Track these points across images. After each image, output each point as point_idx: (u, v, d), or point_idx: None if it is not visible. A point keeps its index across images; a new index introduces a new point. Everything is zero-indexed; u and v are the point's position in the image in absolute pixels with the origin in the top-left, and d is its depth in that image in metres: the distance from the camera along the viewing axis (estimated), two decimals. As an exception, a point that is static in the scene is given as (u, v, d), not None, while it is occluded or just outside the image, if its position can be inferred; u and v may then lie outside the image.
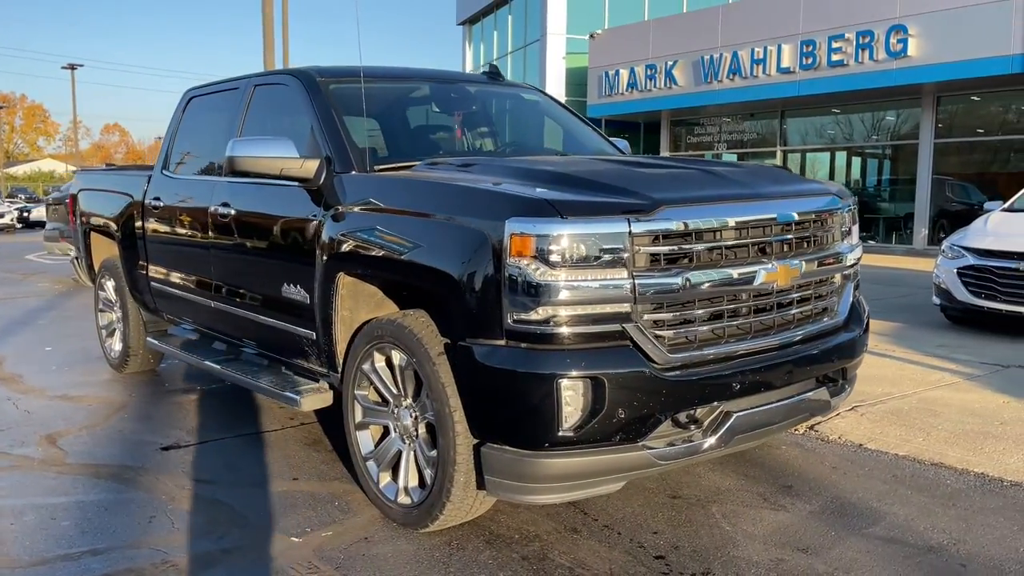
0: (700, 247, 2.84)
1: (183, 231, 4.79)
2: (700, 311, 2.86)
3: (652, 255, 2.74)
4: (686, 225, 2.81)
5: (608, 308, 2.68)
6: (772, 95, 19.48)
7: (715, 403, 2.91)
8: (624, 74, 22.77)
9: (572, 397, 2.64)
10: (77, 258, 6.75)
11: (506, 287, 2.70)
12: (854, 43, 17.71)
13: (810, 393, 3.28)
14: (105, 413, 4.97)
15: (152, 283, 5.23)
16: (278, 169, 3.66)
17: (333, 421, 4.37)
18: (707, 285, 2.84)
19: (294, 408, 3.93)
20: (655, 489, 3.66)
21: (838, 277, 3.42)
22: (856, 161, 21.42)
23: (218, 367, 4.52)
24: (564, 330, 2.67)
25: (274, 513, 3.44)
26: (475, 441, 2.91)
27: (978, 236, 7.52)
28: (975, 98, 18.23)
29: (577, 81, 25.62)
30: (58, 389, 5.54)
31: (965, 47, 15.85)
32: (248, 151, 3.68)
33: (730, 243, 2.92)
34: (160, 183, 5.11)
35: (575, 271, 2.66)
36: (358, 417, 3.46)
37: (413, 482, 3.23)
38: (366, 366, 3.37)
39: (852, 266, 3.50)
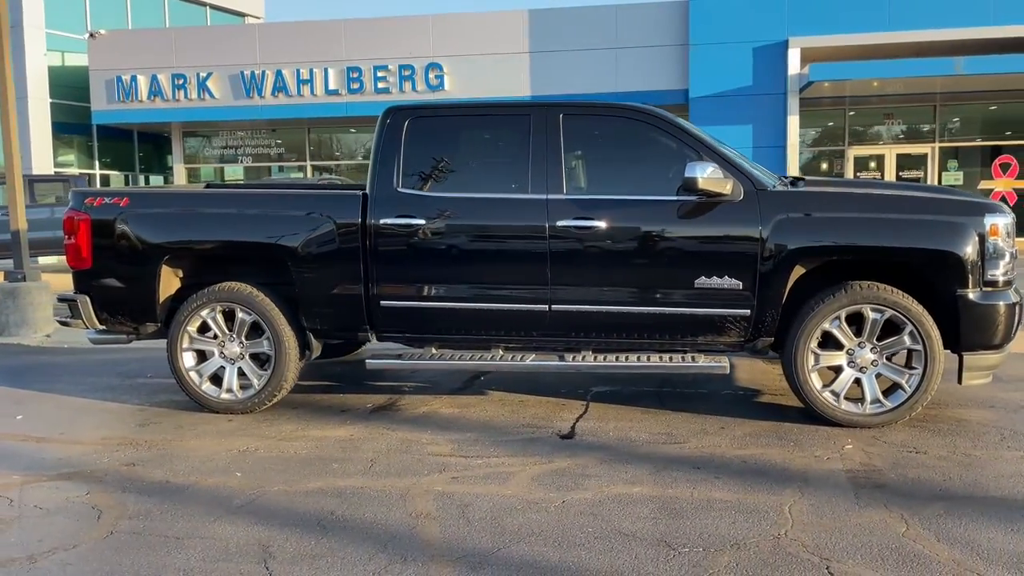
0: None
1: (483, 246, 5.04)
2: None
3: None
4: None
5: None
6: (322, 114, 20.98)
7: None
8: (143, 81, 21.51)
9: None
10: (74, 302, 5.45)
11: (985, 255, 4.63)
12: (397, 74, 20.42)
13: None
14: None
15: (383, 302, 5.13)
16: (724, 188, 4.72)
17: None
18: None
19: (721, 373, 4.96)
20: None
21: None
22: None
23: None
24: (1008, 277, 4.74)
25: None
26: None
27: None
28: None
29: (66, 83, 22.99)
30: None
31: (490, 86, 19.85)
32: (699, 173, 4.65)
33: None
34: (407, 201, 5.09)
35: (1011, 239, 4.75)
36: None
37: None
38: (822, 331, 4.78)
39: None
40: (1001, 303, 4.65)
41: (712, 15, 18.01)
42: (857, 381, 4.81)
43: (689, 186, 4.68)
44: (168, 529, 3.55)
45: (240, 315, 5.27)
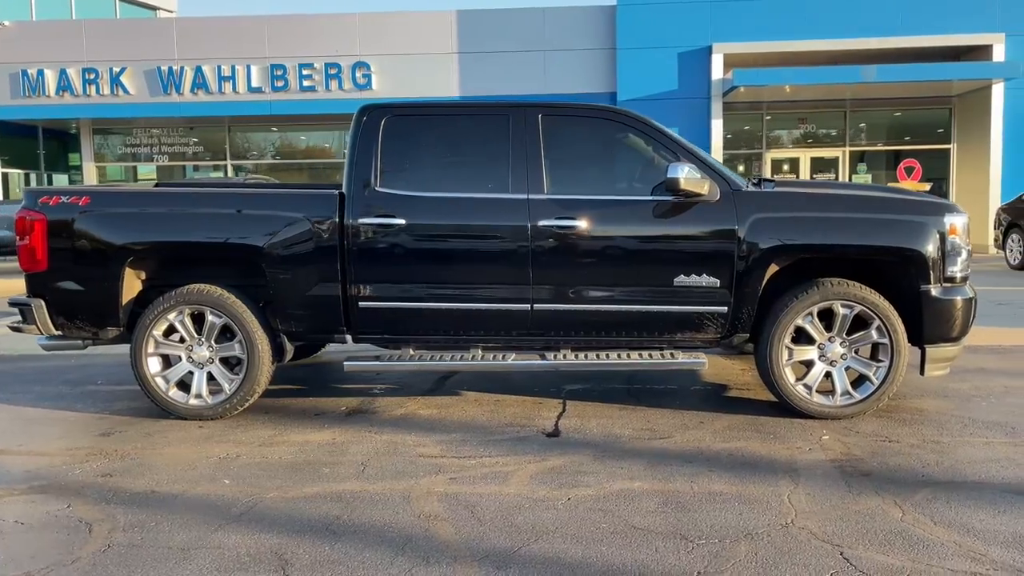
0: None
1: (465, 246, 5.03)
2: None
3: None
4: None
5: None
6: (244, 112, 20.45)
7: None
8: (51, 75, 20.55)
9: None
10: (27, 306, 5.19)
11: (945, 253, 4.90)
12: (323, 72, 20.10)
13: None
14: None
15: (362, 303, 5.07)
16: (702, 188, 4.85)
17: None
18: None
19: (699, 369, 5.07)
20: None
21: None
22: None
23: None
24: (964, 273, 5.02)
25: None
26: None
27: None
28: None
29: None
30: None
31: (419, 87, 19.76)
32: (680, 174, 4.76)
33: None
34: (386, 201, 5.03)
35: (967, 238, 5.03)
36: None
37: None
38: (799, 321, 4.96)
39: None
40: (959, 298, 4.92)
41: (639, 20, 18.38)
42: (827, 374, 5.00)
43: (671, 186, 4.78)
44: (169, 540, 3.42)
45: (210, 318, 5.11)
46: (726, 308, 4.96)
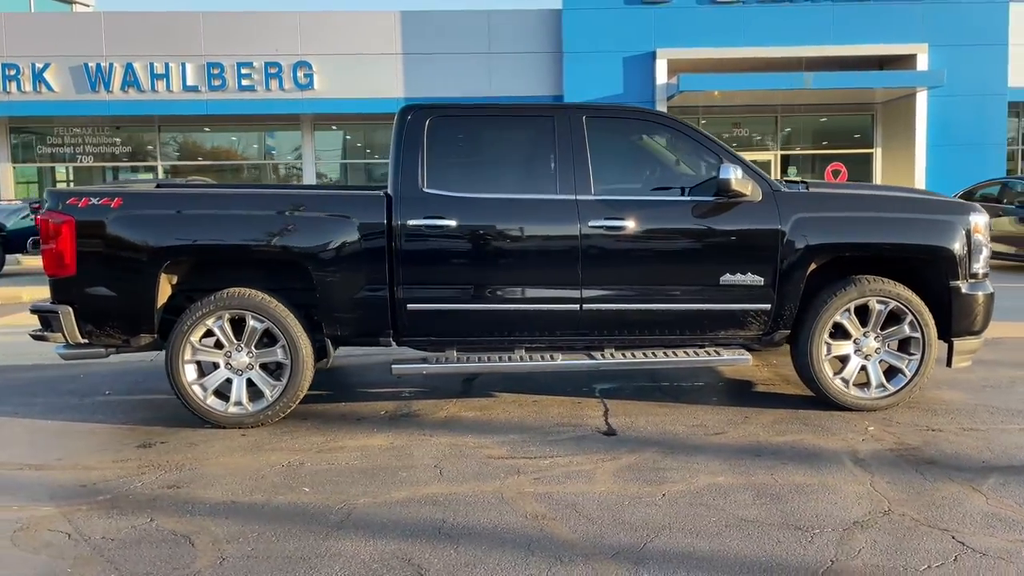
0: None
1: (515, 247, 5.04)
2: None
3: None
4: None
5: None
6: (179, 111, 19.79)
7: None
8: (-34, 71, 19.46)
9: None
10: (53, 313, 4.95)
11: (971, 250, 5.19)
12: (263, 72, 19.64)
13: None
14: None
15: (410, 306, 5.03)
16: (747, 188, 5.00)
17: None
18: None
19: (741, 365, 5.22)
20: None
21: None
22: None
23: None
24: (986, 270, 5.32)
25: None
26: None
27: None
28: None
29: None
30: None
31: (362, 87, 19.54)
32: (733, 175, 4.90)
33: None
34: (435, 202, 5.00)
35: (988, 236, 5.33)
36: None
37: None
38: (839, 318, 5.17)
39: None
40: (982, 293, 5.21)
41: (585, 25, 18.63)
42: (862, 368, 5.21)
43: (724, 187, 4.90)
44: (282, 550, 3.33)
45: (251, 323, 4.96)
46: (769, 305, 5.11)
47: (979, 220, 5.23)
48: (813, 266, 5.15)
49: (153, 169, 21.86)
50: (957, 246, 5.12)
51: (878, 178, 21.22)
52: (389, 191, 5.04)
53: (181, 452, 4.62)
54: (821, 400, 5.25)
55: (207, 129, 22.21)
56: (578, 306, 5.06)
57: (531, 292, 5.07)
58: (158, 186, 6.27)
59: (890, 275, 5.24)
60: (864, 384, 5.22)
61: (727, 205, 5.07)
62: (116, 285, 4.92)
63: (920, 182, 19.08)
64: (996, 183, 14.02)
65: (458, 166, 5.21)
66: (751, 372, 6.37)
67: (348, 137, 22.45)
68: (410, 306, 5.02)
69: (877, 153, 21.25)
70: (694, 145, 5.26)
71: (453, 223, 4.96)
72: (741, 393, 5.83)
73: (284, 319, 4.95)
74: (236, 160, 22.64)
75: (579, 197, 5.04)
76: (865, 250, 5.20)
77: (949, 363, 5.29)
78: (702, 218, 5.10)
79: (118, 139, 21.99)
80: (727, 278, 5.07)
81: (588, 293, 5.05)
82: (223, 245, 4.99)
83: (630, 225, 5.01)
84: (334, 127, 21.90)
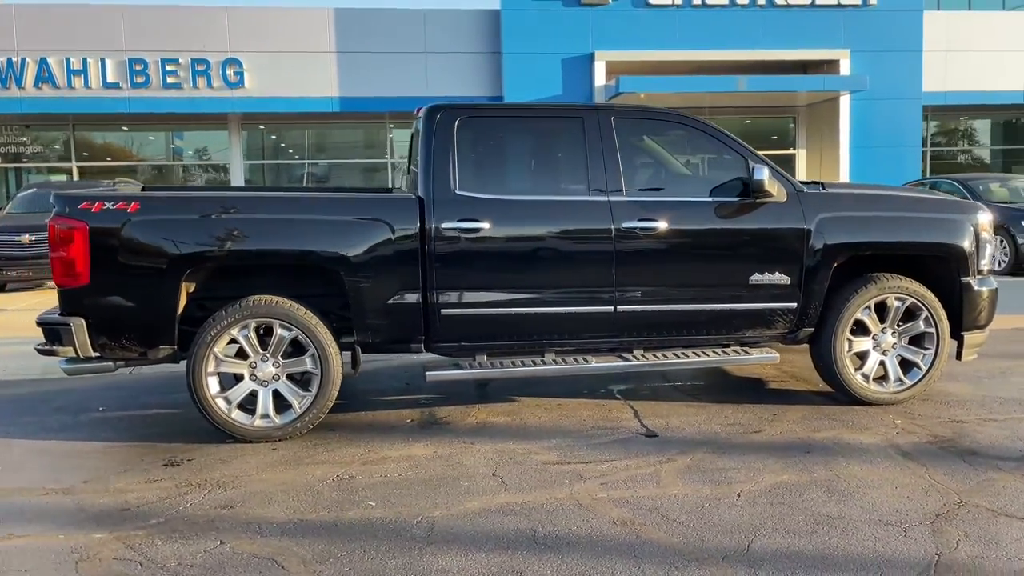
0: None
1: (550, 249, 4.99)
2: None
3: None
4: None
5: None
6: (99, 109, 18.84)
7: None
8: None
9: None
10: (64, 324, 4.63)
11: (979, 248, 5.42)
12: (189, 68, 18.89)
13: None
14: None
15: (444, 311, 4.92)
16: (775, 189, 5.09)
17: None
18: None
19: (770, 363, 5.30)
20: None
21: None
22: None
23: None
24: (991, 266, 5.56)
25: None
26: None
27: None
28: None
29: None
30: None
31: (295, 86, 19.04)
32: (765, 176, 4.99)
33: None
34: (468, 205, 4.90)
35: (992, 234, 5.58)
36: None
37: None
38: (861, 315, 5.32)
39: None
40: (988, 288, 5.44)
41: (523, 26, 18.64)
42: (880, 363, 5.37)
43: (757, 188, 4.96)
44: (382, 568, 3.20)
45: (279, 331, 4.75)
46: (796, 304, 5.21)
47: (985, 219, 5.46)
48: (835, 264, 5.27)
49: (67, 171, 20.74)
50: (968, 243, 5.34)
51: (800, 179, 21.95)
52: (420, 194, 4.90)
53: (216, 469, 4.38)
54: (841, 395, 5.39)
55: (124, 128, 21.23)
56: (612, 308, 5.04)
57: (566, 295, 5.02)
58: (143, 189, 5.93)
59: (904, 272, 5.41)
60: (882, 378, 5.37)
61: (754, 206, 5.14)
62: (134, 294, 4.63)
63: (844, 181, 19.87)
64: (924, 184, 14.72)
65: (488, 168, 5.12)
66: (757, 370, 6.49)
67: (272, 137, 21.85)
68: (444, 311, 4.90)
69: (800, 154, 22.00)
70: (718, 146, 5.32)
71: (487, 226, 4.87)
72: (758, 391, 5.92)
73: (314, 327, 4.76)
74: (156, 161, 21.73)
75: (612, 198, 5.02)
76: (886, 248, 5.36)
77: (959, 356, 5.50)
78: (731, 218, 5.15)
79: (26, 139, 20.78)
80: (756, 278, 5.14)
81: (622, 294, 5.03)
82: (250, 251, 4.75)
83: (662, 226, 5.03)
84: (261, 126, 21.27)
